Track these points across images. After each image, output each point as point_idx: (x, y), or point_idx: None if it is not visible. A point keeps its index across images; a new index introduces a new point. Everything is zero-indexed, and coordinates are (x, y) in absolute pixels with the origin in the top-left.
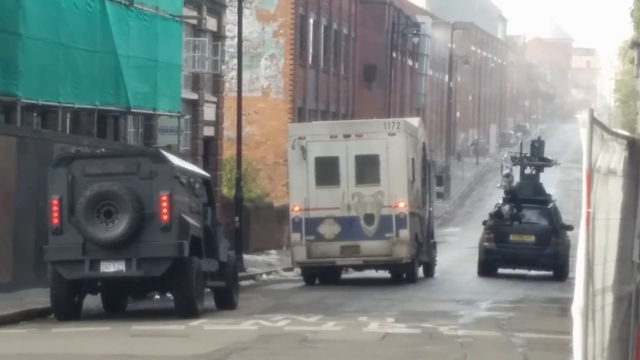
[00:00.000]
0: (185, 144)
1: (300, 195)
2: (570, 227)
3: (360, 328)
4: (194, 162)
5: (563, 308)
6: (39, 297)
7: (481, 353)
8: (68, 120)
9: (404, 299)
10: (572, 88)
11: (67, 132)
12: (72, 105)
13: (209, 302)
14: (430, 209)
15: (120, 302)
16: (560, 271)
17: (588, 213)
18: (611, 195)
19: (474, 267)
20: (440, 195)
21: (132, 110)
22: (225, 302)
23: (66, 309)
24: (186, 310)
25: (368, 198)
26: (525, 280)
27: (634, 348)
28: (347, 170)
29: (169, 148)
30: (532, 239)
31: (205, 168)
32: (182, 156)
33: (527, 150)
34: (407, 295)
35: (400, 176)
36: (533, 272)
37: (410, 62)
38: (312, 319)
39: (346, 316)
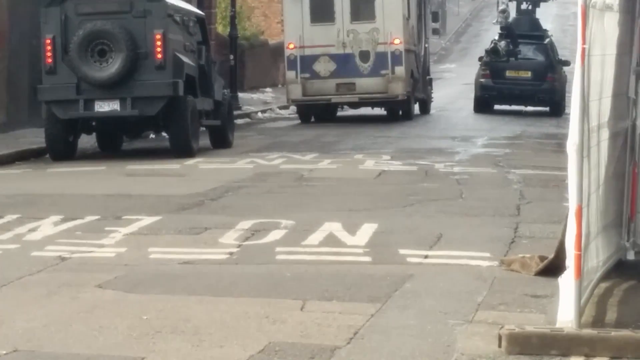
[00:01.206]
0: None
1: (295, 32)
2: (566, 62)
3: (356, 166)
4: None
5: (559, 144)
6: (34, 137)
7: (477, 189)
8: None
9: (400, 136)
10: None
11: None
12: None
13: (204, 141)
14: (426, 45)
15: (115, 142)
16: (556, 107)
17: (583, 49)
18: (607, 31)
19: (469, 103)
20: (436, 32)
21: None
22: (221, 140)
23: (61, 148)
24: (181, 148)
25: (363, 35)
26: (521, 117)
27: (629, 184)
28: (342, 6)
29: None
30: (528, 74)
31: (199, 6)
32: None
33: None
34: (403, 133)
35: (395, 12)
36: (529, 108)
37: None
38: (308, 157)
39: (342, 154)
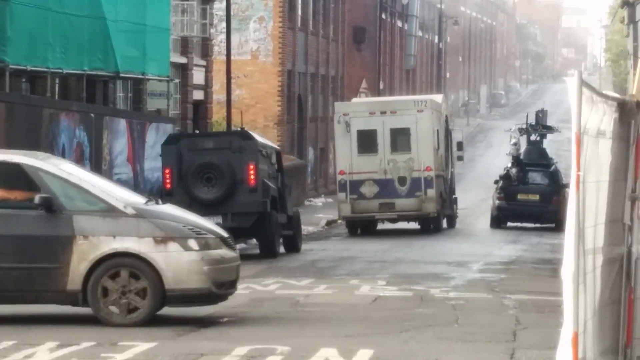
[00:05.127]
0: (174, 107)
1: (345, 161)
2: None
3: (351, 291)
4: (184, 126)
5: (554, 269)
6: None
7: (473, 315)
8: (57, 86)
9: (395, 262)
10: (562, 48)
11: (56, 97)
12: (61, 71)
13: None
14: (452, 169)
15: None
16: (560, 224)
17: (578, 176)
18: (601, 157)
19: (465, 227)
20: (460, 158)
21: (121, 74)
22: (292, 246)
23: None
24: (269, 251)
25: (401, 163)
26: (517, 242)
27: (626, 309)
28: (383, 140)
29: (158, 112)
30: (536, 197)
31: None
32: (172, 120)
33: (531, 120)
34: (399, 258)
35: (427, 145)
36: (533, 225)
37: (399, 24)
38: (304, 283)
39: (337, 279)
